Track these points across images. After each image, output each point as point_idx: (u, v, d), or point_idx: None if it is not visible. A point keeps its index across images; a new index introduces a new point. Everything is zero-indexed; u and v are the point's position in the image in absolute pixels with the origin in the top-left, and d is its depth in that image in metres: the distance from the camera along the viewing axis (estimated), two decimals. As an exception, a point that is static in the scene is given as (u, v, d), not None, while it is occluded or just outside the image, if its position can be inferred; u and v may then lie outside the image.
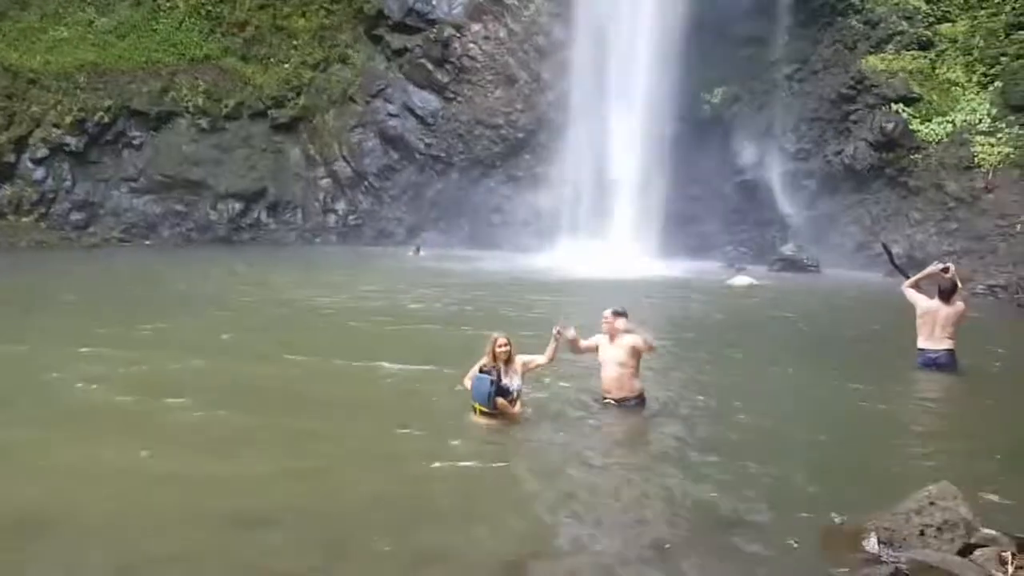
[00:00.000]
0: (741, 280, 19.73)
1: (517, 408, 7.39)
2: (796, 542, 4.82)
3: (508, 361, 7.42)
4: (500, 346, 7.40)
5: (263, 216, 30.40)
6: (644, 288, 18.55)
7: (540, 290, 17.88)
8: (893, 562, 4.27)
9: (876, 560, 4.45)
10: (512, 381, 7.40)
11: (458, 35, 29.59)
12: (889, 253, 15.22)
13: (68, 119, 27.36)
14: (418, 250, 26.87)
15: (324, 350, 10.42)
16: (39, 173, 27.35)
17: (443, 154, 30.24)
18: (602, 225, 25.48)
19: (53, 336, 10.81)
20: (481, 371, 7.34)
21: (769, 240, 26.08)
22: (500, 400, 7.25)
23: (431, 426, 7.19)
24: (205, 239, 28.83)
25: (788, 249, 24.81)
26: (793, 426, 7.60)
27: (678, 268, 23.06)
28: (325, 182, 31.05)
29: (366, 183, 30.93)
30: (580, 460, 6.42)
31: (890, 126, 23.63)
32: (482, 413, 7.28)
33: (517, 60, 29.39)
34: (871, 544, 4.59)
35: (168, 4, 29.33)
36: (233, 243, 28.88)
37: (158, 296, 15.80)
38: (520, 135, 29.56)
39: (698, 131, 26.05)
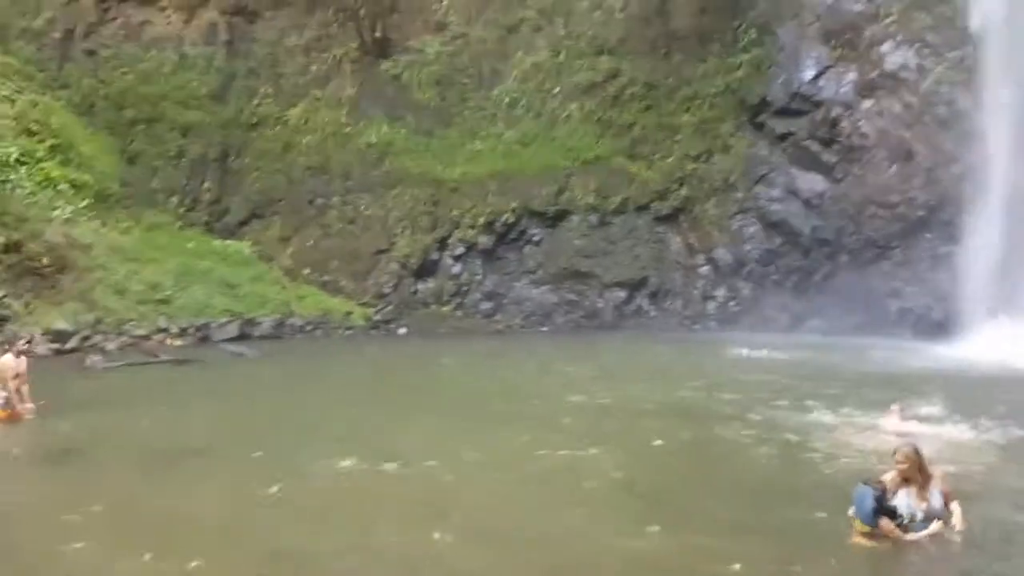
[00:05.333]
0: None
1: (923, 533, 6.32)
2: None
3: (913, 480, 6.46)
4: (897, 461, 6.50)
5: (644, 304, 31.46)
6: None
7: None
8: None
9: None
10: (912, 503, 6.39)
11: (847, 114, 28.62)
12: None
13: (481, 220, 31.07)
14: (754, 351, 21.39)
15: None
16: (456, 268, 31.23)
17: (831, 237, 29.05)
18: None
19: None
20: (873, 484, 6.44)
21: None
22: (884, 522, 6.31)
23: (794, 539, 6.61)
24: (592, 325, 30.54)
25: None
26: None
27: None
28: (704, 269, 31.38)
29: (747, 269, 30.67)
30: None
31: None
32: (863, 534, 6.37)
33: (914, 134, 27.54)
34: None
35: (565, 114, 32.35)
36: (617, 329, 30.23)
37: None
38: (920, 213, 27.42)
39: None
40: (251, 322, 25.11)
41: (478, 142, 32.49)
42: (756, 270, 30.43)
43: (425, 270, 30.74)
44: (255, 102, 31.99)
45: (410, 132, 32.22)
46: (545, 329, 30.50)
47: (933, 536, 6.40)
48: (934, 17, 28.25)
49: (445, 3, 33.13)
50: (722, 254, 31.00)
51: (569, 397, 14.19)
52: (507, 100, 32.91)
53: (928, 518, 6.53)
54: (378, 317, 28.62)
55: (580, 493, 8.21)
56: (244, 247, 28.94)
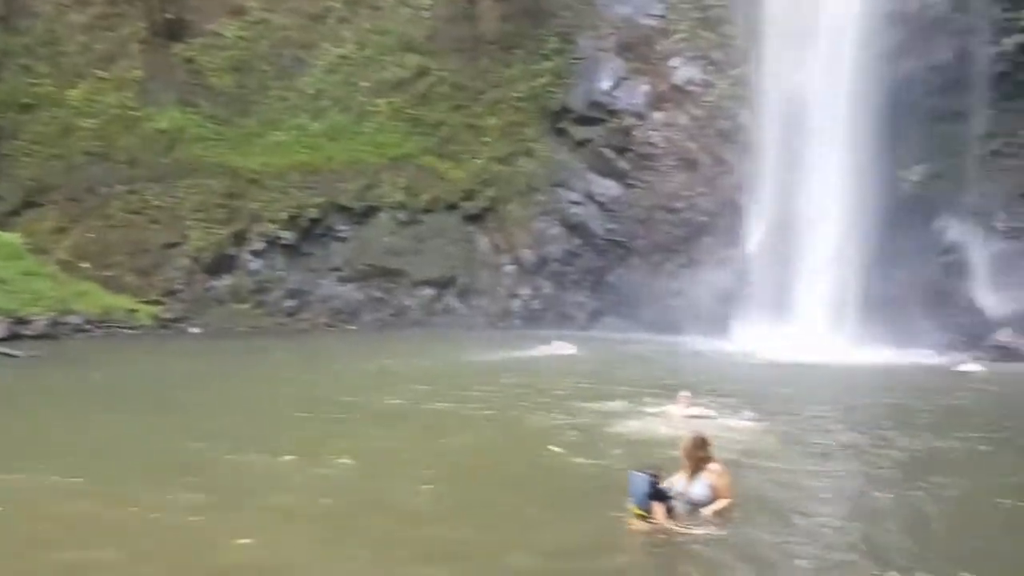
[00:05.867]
0: (973, 367, 18.94)
1: (692, 530, 6.52)
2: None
3: (696, 467, 6.83)
4: (683, 447, 6.83)
5: (453, 302, 31.73)
6: (866, 376, 17.87)
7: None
8: None
9: None
10: (681, 490, 6.74)
11: (640, 123, 30.28)
12: None
13: (283, 215, 30.05)
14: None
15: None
16: (256, 264, 30.03)
17: (624, 239, 30.63)
18: (793, 308, 24.79)
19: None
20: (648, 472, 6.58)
21: (979, 326, 24.30)
22: (656, 506, 6.45)
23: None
24: (402, 323, 30.39)
25: (1004, 335, 23.08)
26: None
27: (882, 354, 21.91)
28: (510, 268, 32.11)
29: (548, 269, 31.69)
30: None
31: (1120, 200, 21.75)
32: (639, 517, 6.50)
33: (700, 145, 29.62)
34: None
35: (373, 109, 32.01)
36: (426, 327, 30.25)
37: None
38: (702, 218, 29.52)
39: (896, 210, 24.98)
40: (23, 321, 23.31)
41: (280, 133, 31.45)
42: (557, 270, 31.51)
43: (220, 266, 29.31)
44: (30, 81, 29.22)
45: (204, 119, 30.65)
46: (352, 327, 29.99)
47: (696, 530, 6.55)
48: (718, 36, 30.43)
49: (245, -14, 31.78)
50: (526, 254, 31.82)
51: (348, 399, 13.93)
52: (312, 91, 32.08)
53: (692, 505, 6.84)
54: (167, 315, 26.98)
55: (330, 514, 7.53)
56: (15, 238, 26.75)
